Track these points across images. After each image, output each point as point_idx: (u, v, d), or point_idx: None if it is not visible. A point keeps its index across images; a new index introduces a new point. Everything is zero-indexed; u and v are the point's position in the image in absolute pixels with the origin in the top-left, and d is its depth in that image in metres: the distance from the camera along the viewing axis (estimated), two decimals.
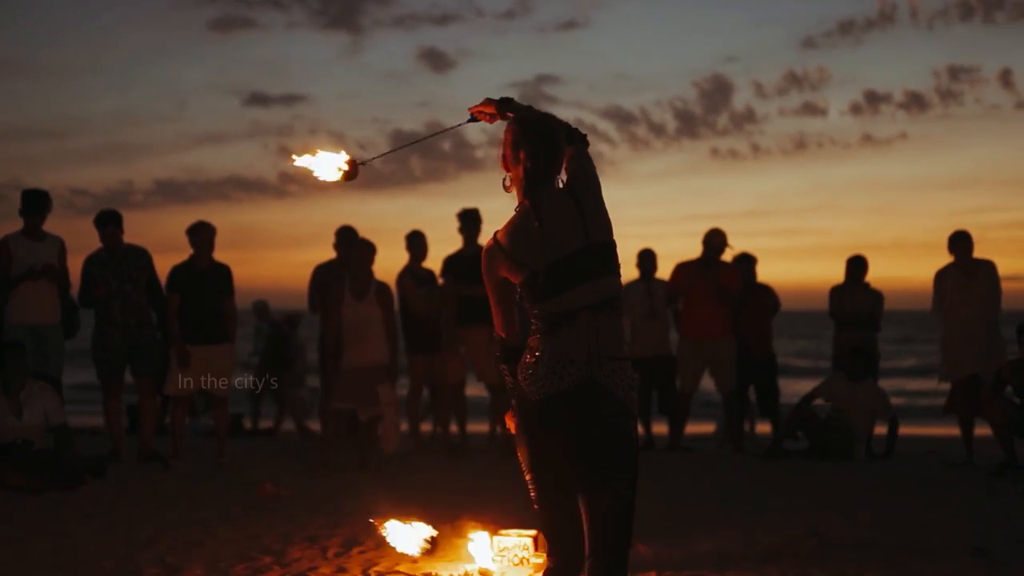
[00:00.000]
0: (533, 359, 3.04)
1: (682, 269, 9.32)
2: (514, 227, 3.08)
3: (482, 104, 3.34)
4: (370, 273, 8.04)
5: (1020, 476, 7.52)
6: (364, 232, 8.71)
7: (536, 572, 4.69)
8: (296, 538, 5.46)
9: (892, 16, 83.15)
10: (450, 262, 8.97)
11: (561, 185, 3.13)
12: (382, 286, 8.09)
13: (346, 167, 3.40)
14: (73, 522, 5.81)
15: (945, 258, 8.73)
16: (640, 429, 7.06)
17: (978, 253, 8.67)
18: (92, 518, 5.92)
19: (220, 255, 8.28)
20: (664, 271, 9.59)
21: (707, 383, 9.61)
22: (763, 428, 10.62)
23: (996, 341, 8.54)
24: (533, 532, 4.84)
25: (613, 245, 3.10)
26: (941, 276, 8.69)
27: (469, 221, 8.94)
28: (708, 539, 5.39)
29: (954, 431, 9.37)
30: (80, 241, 8.33)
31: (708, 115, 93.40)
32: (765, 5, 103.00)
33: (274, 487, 6.74)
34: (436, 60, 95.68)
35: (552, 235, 3.03)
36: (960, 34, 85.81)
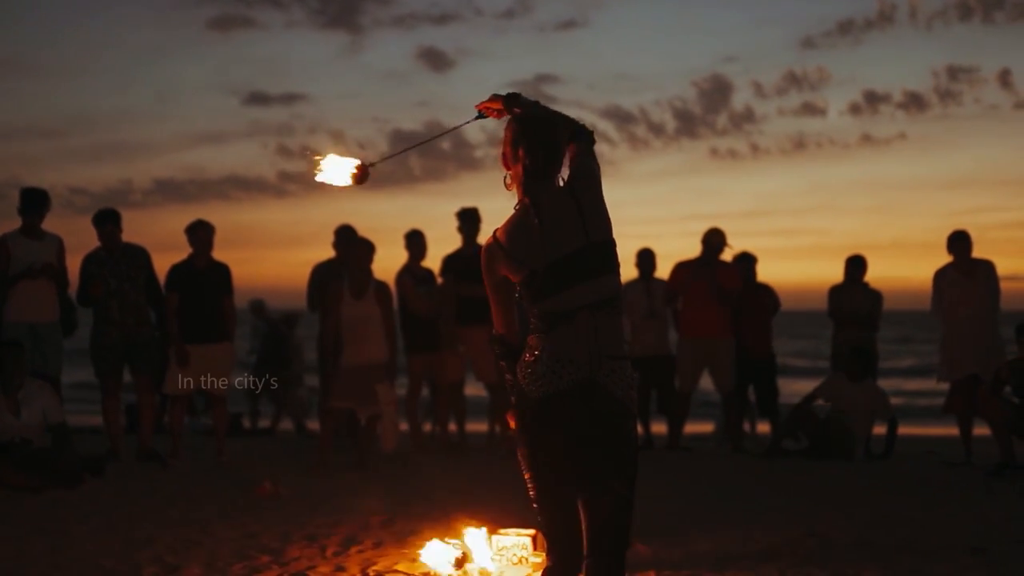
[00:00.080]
0: (532, 358, 3.04)
1: (681, 268, 9.31)
2: (513, 225, 3.08)
3: (489, 100, 3.30)
4: (369, 272, 8.03)
5: (1018, 476, 7.52)
6: (363, 231, 8.72)
7: (535, 571, 4.69)
8: (295, 537, 5.45)
9: (891, 16, 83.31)
10: (449, 261, 8.96)
11: (562, 183, 3.11)
12: (381, 285, 8.09)
13: (356, 171, 3.39)
14: (71, 521, 5.80)
15: (944, 258, 8.73)
16: (639, 428, 7.07)
17: (977, 253, 8.67)
18: (90, 517, 5.92)
19: (219, 254, 8.28)
20: (663, 271, 9.60)
21: (706, 383, 9.61)
22: (764, 428, 10.62)
23: (995, 341, 8.54)
24: (532, 531, 4.84)
25: (613, 244, 3.09)
26: (940, 276, 8.69)
27: (468, 220, 8.94)
28: (707, 538, 5.39)
29: (953, 431, 9.37)
30: (79, 240, 8.33)
31: (707, 115, 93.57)
32: (764, 5, 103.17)
33: (273, 486, 6.74)
34: (435, 59, 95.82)
35: (551, 234, 3.02)
36: (959, 34, 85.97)
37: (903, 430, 9.10)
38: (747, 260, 9.66)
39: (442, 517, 5.54)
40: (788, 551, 5.10)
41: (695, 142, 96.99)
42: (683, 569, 4.77)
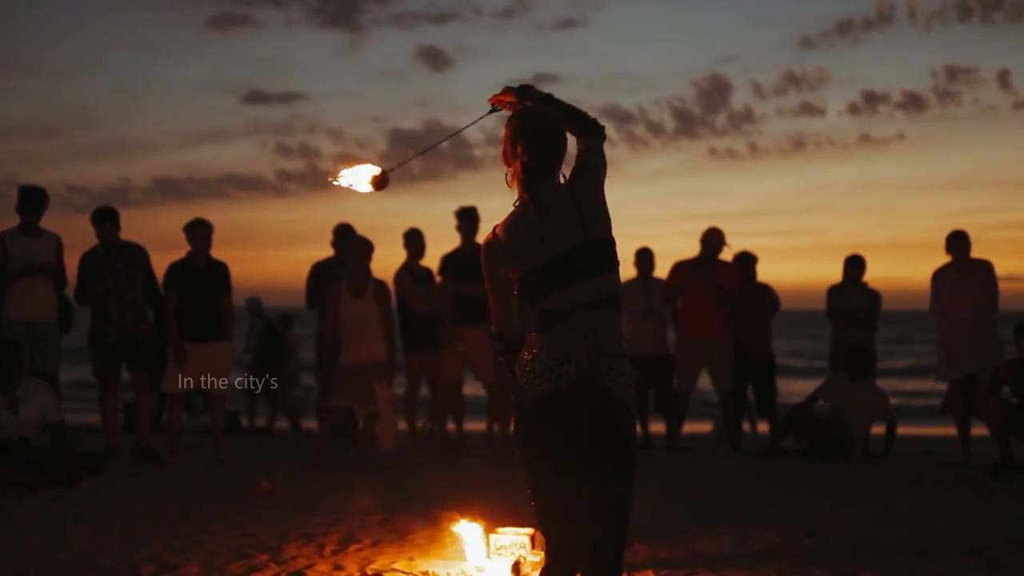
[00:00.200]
0: (531, 356, 3.03)
1: (680, 268, 9.31)
2: (513, 222, 3.07)
3: (501, 93, 3.29)
4: (368, 271, 8.03)
5: (1017, 476, 7.52)
6: (362, 230, 8.71)
7: (533, 570, 4.68)
8: (293, 536, 5.45)
9: (890, 16, 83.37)
10: (448, 260, 8.95)
11: (564, 179, 3.09)
12: (379, 284, 8.08)
13: (376, 177, 3.38)
14: (69, 519, 5.80)
15: (942, 258, 8.73)
16: (638, 428, 7.07)
17: (975, 253, 8.67)
18: (88, 515, 5.92)
19: (218, 253, 8.28)
20: (662, 270, 9.60)
21: (704, 382, 9.61)
22: (763, 428, 10.61)
23: (993, 341, 8.54)
24: (530, 530, 4.84)
25: (612, 242, 3.07)
26: (938, 276, 8.69)
27: (467, 219, 8.93)
28: (705, 538, 5.38)
29: (951, 431, 9.37)
30: (77, 238, 8.31)
31: (706, 115, 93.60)
32: (763, 5, 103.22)
33: (271, 485, 6.74)
34: (434, 59, 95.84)
35: (550, 231, 3.01)
36: (958, 35, 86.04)
37: (901, 430, 9.10)
38: (747, 260, 9.66)
39: (440, 516, 5.53)
40: (786, 550, 5.10)
41: (694, 142, 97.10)
42: (681, 568, 4.77)
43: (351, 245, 8.25)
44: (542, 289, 3.02)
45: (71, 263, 7.93)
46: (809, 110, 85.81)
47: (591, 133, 3.17)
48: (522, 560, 4.74)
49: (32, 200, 7.75)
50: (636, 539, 4.99)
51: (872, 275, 9.69)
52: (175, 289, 8.04)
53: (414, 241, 8.98)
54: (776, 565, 4.83)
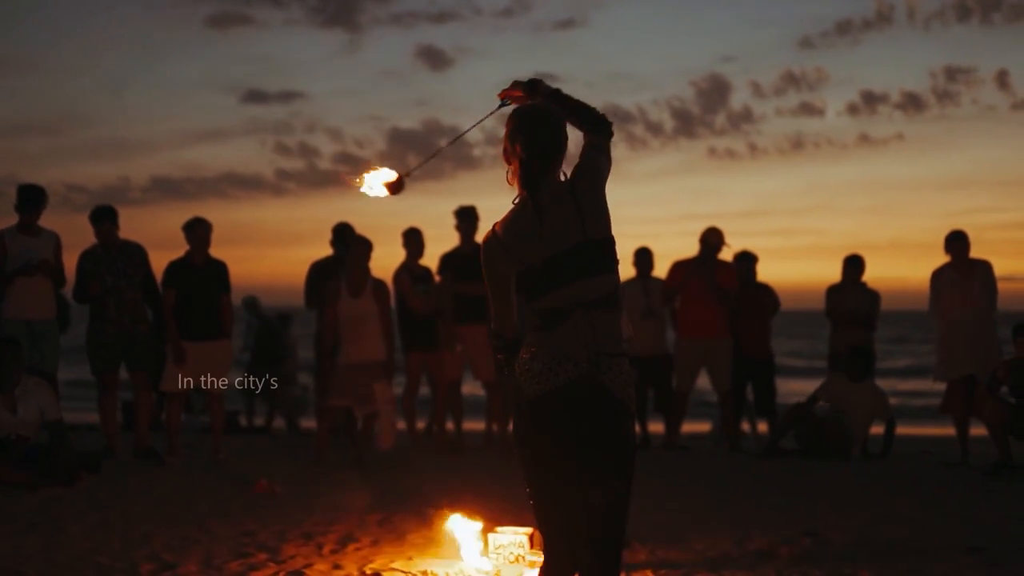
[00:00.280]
0: (530, 355, 3.03)
1: (679, 267, 9.30)
2: (512, 220, 3.06)
3: (510, 88, 3.27)
4: (367, 270, 8.03)
5: (1015, 476, 7.52)
6: (361, 229, 8.70)
7: (532, 569, 4.68)
8: (291, 535, 5.45)
9: (889, 17, 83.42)
10: (447, 259, 8.95)
11: (565, 177, 3.08)
12: (378, 283, 8.08)
13: (392, 181, 3.37)
14: (68, 518, 5.79)
15: (941, 258, 8.73)
16: (637, 427, 7.08)
17: (974, 253, 8.67)
18: (87, 514, 5.91)
19: (217, 252, 8.27)
20: (661, 270, 9.59)
21: (704, 382, 9.60)
22: (763, 428, 10.61)
23: (992, 341, 8.54)
24: (529, 529, 4.83)
25: (611, 241, 3.07)
26: (937, 276, 8.69)
27: (466, 218, 8.92)
28: (704, 538, 5.38)
29: (950, 431, 9.37)
30: (76, 237, 8.30)
31: (705, 115, 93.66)
32: (763, 5, 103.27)
33: (270, 484, 6.73)
34: (434, 58, 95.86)
35: (549, 230, 3.00)
36: (957, 35, 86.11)
37: (899, 430, 9.10)
38: (747, 259, 9.65)
39: (439, 515, 5.52)
40: (785, 550, 5.09)
41: (693, 142, 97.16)
42: (680, 568, 4.77)
43: (350, 244, 8.24)
44: (541, 288, 3.02)
45: (70, 262, 7.94)
46: (808, 110, 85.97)
47: (598, 129, 3.14)
48: (520, 559, 4.74)
49: (31, 199, 7.74)
50: (634, 538, 4.99)
51: (871, 275, 9.71)
52: (174, 288, 8.03)
53: (413, 240, 8.97)
54: (775, 565, 4.83)
